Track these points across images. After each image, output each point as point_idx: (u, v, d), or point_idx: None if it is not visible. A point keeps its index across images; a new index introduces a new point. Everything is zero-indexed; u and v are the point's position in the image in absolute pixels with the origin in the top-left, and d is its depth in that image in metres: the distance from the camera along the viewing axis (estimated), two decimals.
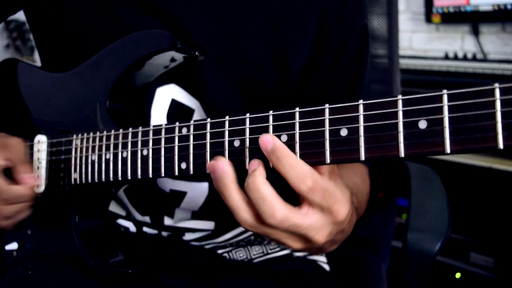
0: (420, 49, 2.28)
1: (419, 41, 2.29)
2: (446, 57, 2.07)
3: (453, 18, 2.09)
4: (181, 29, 0.67)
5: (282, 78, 0.71)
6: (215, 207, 0.78)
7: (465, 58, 2.03)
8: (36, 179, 0.70)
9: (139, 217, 0.81)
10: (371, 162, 0.80)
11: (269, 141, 0.46)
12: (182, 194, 0.76)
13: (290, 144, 0.47)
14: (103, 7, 0.70)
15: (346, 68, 0.73)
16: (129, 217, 0.82)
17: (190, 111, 0.72)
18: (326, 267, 0.86)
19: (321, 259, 0.87)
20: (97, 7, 0.70)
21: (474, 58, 2.01)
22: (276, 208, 0.45)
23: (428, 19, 2.16)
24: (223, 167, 0.47)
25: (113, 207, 0.83)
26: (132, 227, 0.82)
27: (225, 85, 0.70)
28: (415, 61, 2.02)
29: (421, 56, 2.22)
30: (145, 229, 0.81)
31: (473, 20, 2.06)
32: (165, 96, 0.71)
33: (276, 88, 0.71)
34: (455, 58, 2.04)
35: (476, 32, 2.07)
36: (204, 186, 0.76)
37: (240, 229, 0.82)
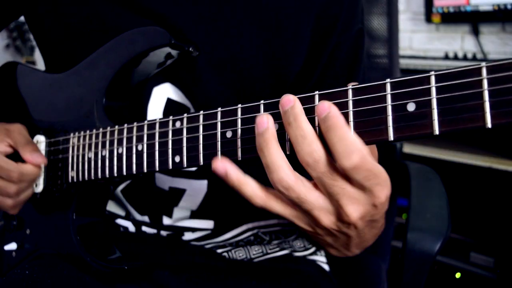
0: (420, 49, 2.28)
1: (419, 41, 2.28)
2: (446, 57, 2.07)
3: (453, 18, 2.09)
4: (174, 30, 0.67)
5: (278, 82, 0.71)
6: (214, 206, 0.78)
7: (465, 58, 2.03)
8: (42, 156, 0.70)
9: (138, 216, 0.81)
10: None
11: (325, 108, 0.43)
12: (181, 192, 0.76)
13: (281, 133, 0.47)
14: (98, 9, 0.70)
15: (339, 71, 0.73)
16: (128, 217, 0.82)
17: (186, 109, 0.72)
18: (326, 267, 0.86)
19: (321, 259, 0.86)
20: (92, 10, 0.71)
21: (474, 58, 2.01)
22: (315, 146, 0.43)
23: (428, 19, 2.16)
24: (268, 122, 0.46)
25: (113, 208, 0.83)
26: (131, 227, 0.81)
27: (218, 85, 0.70)
28: (415, 61, 2.02)
29: (421, 56, 2.22)
30: (144, 228, 0.81)
31: (473, 20, 2.06)
32: (161, 95, 0.72)
33: (271, 91, 0.71)
34: (455, 58, 2.04)
35: (476, 32, 2.07)
36: (203, 184, 0.76)
37: (240, 229, 0.82)
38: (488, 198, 1.67)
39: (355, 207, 0.46)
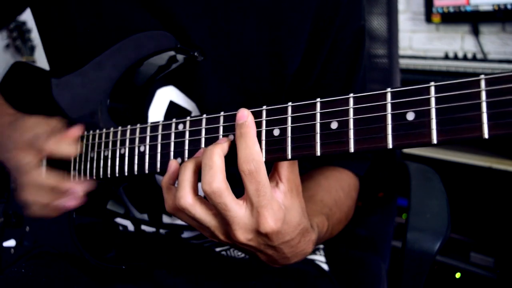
0: (420, 49, 2.28)
1: (419, 41, 2.28)
2: (446, 57, 2.07)
3: (453, 18, 2.09)
4: (181, 31, 0.67)
5: (279, 78, 0.71)
6: None
7: (465, 58, 2.02)
8: (79, 128, 0.68)
9: (137, 214, 0.81)
10: (365, 170, 0.80)
11: (243, 116, 0.48)
12: None
13: (282, 139, 0.48)
14: (106, 8, 0.70)
15: (339, 68, 0.73)
16: (127, 215, 0.82)
17: (187, 113, 0.72)
18: (325, 267, 0.86)
19: (320, 258, 0.87)
20: (100, 9, 0.71)
21: (474, 58, 2.01)
22: (217, 179, 0.46)
23: (428, 19, 2.16)
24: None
25: (111, 205, 0.83)
26: (130, 226, 0.82)
27: (221, 86, 0.70)
28: (415, 61, 2.02)
29: (421, 56, 2.22)
30: (143, 227, 0.81)
31: (473, 20, 2.06)
32: (164, 97, 0.72)
33: (272, 88, 0.71)
34: (455, 58, 2.04)
35: (476, 32, 2.07)
36: None
37: None
38: (488, 198, 1.67)
39: (242, 232, 0.49)
